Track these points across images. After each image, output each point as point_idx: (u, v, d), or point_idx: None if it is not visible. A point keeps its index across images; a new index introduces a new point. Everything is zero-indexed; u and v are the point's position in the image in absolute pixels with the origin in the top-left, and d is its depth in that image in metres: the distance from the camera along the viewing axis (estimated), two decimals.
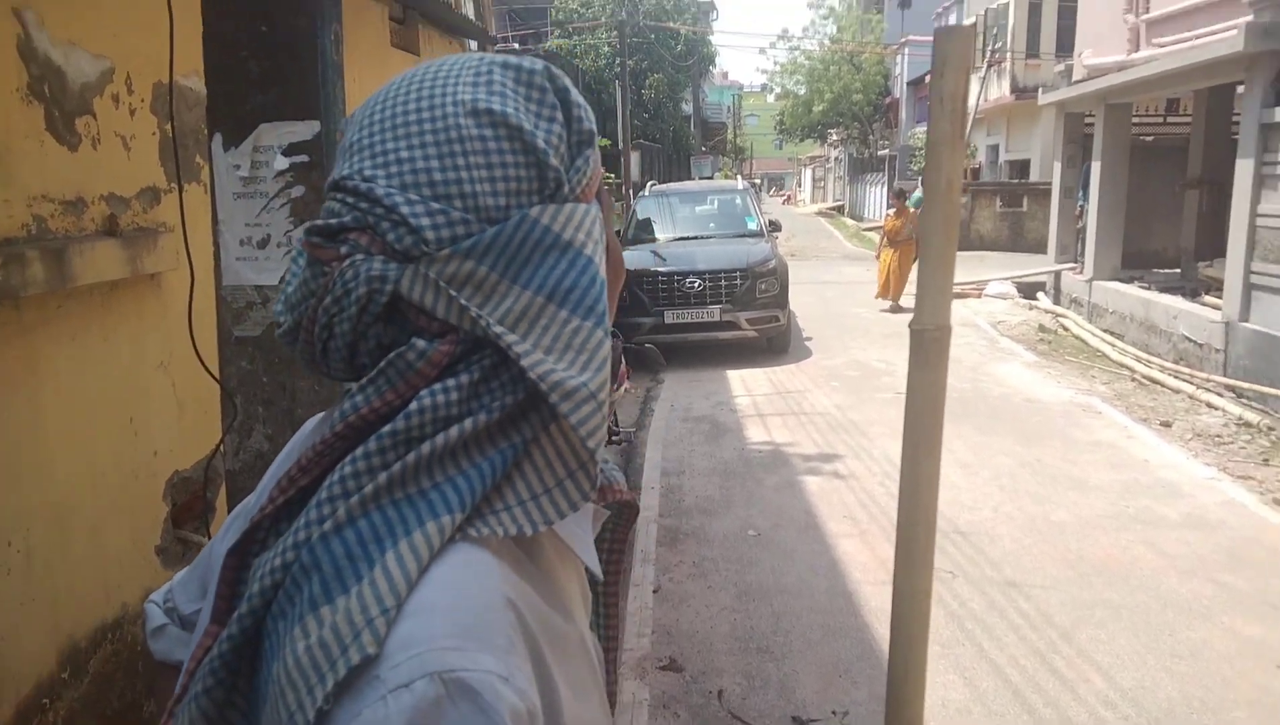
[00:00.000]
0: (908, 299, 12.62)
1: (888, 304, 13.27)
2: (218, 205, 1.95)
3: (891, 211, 13.73)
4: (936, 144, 0.85)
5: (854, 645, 4.03)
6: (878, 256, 13.85)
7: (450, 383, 0.65)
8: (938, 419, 0.89)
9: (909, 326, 0.88)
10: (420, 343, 0.66)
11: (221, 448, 1.99)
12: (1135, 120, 12.85)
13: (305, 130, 1.92)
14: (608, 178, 19.62)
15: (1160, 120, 14.97)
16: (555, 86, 0.73)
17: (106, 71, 2.55)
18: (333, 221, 0.68)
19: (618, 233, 12.11)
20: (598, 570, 0.73)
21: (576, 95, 0.75)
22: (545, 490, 0.67)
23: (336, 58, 1.96)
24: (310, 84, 1.91)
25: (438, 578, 0.61)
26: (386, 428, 0.65)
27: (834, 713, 3.25)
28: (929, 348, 0.88)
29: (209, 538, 2.82)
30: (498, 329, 0.65)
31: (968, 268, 14.63)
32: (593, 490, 0.67)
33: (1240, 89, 9.14)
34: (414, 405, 0.65)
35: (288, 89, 1.90)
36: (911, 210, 13.29)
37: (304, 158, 1.92)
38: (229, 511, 2.09)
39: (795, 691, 3.66)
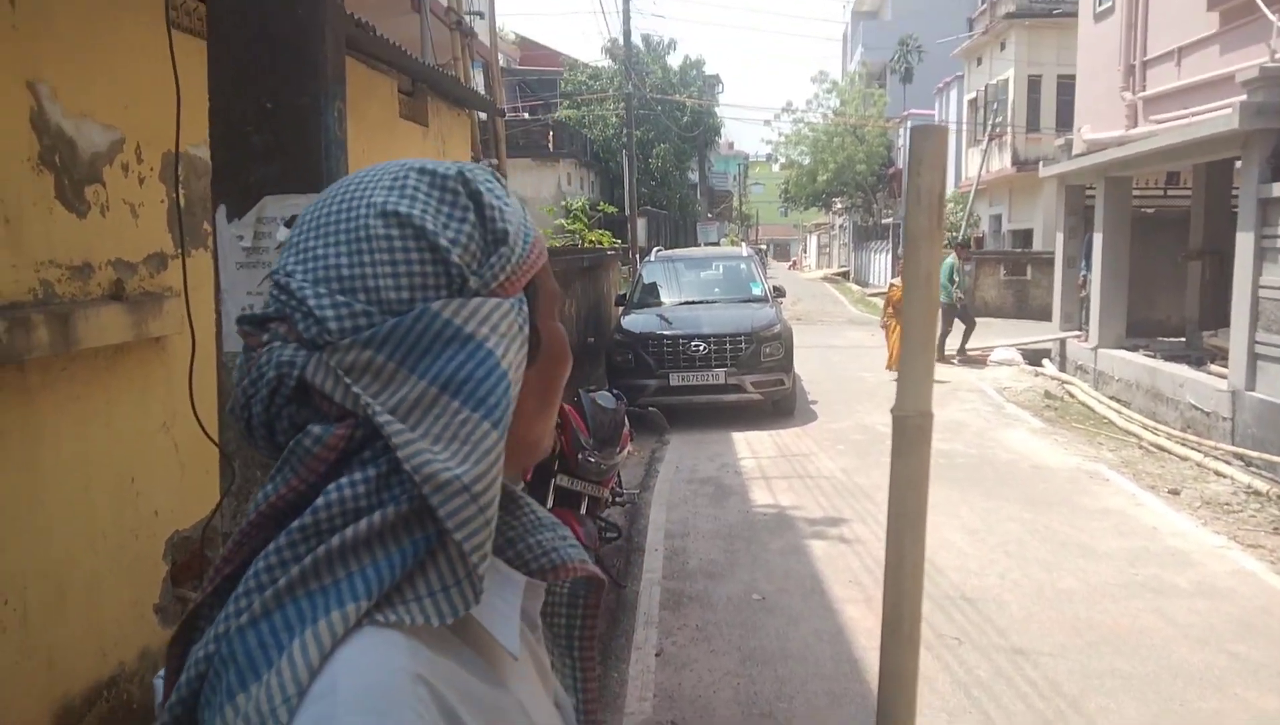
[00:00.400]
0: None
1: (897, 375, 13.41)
2: (221, 274, 1.99)
3: (897, 281, 13.40)
4: (915, 238, 0.87)
5: (860, 712, 3.97)
6: (884, 326, 13.57)
7: (358, 476, 0.67)
8: (921, 505, 0.90)
9: (890, 412, 0.89)
10: (315, 428, 0.68)
11: (219, 512, 2.00)
12: (1136, 192, 13.00)
13: (307, 203, 1.97)
14: (615, 242, 19.82)
15: (1161, 193, 15.15)
16: (468, 189, 0.76)
17: (117, 141, 2.62)
18: (258, 312, 0.73)
19: (624, 297, 12.24)
20: (511, 647, 0.72)
21: (493, 196, 0.77)
22: (456, 582, 0.68)
23: (339, 133, 2.01)
24: (313, 158, 1.96)
25: (343, 659, 0.62)
26: (296, 523, 0.66)
27: None
28: (911, 434, 0.89)
29: None
30: (383, 418, 0.66)
31: (974, 334, 14.68)
32: (475, 601, 0.67)
33: (1238, 163, 9.26)
34: (321, 499, 0.66)
35: (290, 162, 1.95)
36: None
37: None
38: None
39: None
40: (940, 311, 13.21)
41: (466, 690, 0.68)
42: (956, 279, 14.27)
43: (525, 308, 0.75)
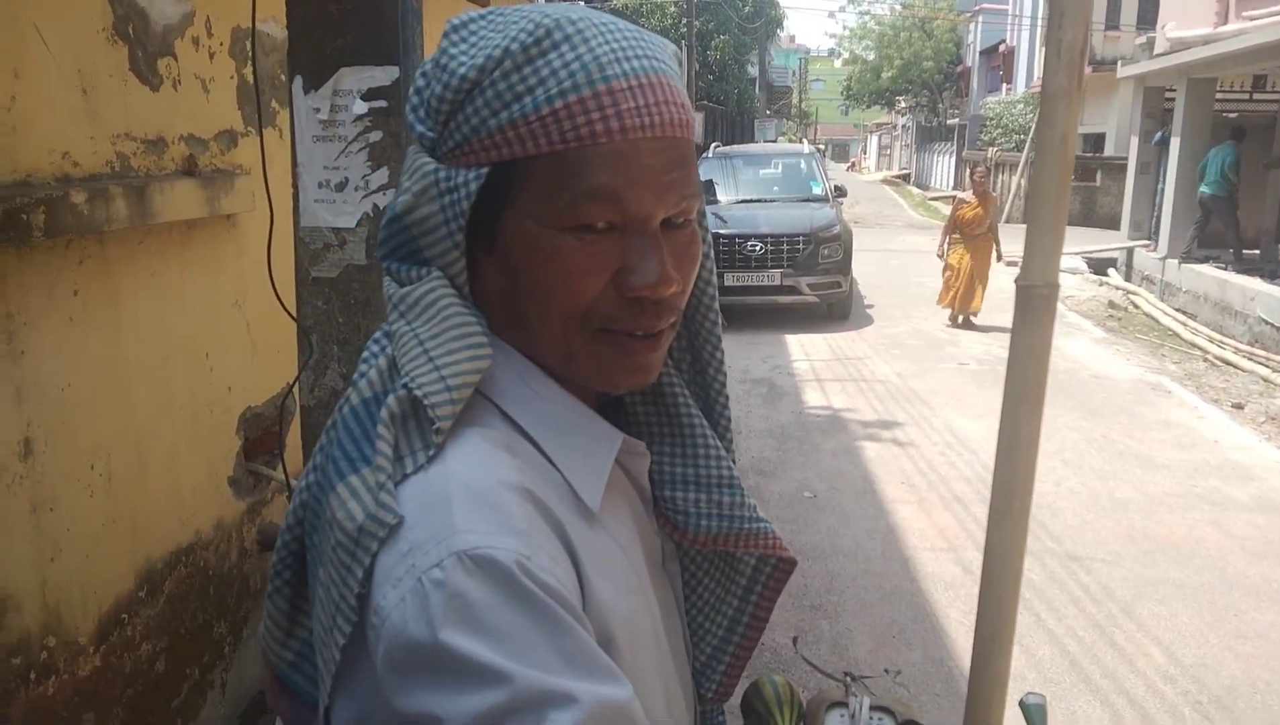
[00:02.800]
0: (985, 312, 9.94)
1: (949, 315, 10.20)
2: (297, 147, 1.97)
3: (968, 196, 10.09)
4: (1053, 97, 0.81)
5: (908, 609, 4.02)
6: (942, 254, 10.27)
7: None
8: (1041, 379, 0.87)
9: (1015, 282, 0.86)
10: None
11: (297, 384, 2.03)
12: (1219, 96, 12.38)
13: (384, 76, 1.93)
14: None
15: (1246, 97, 14.41)
16: (442, 50, 0.73)
17: (188, 14, 2.59)
18: None
19: None
20: (589, 500, 0.73)
21: (448, 56, 0.72)
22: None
23: (416, 2, 1.96)
24: (389, 29, 1.92)
25: (455, 470, 0.65)
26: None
27: (886, 671, 3.25)
28: (1036, 305, 0.86)
29: (280, 472, 2.89)
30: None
31: None
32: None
33: None
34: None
35: (366, 33, 1.91)
36: (994, 196, 10.41)
37: (382, 103, 1.93)
38: (302, 447, 2.15)
39: (848, 649, 3.67)
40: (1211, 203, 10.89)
41: (567, 512, 0.71)
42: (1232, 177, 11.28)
43: (471, 186, 0.70)
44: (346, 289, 1.99)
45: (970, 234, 10.01)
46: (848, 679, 1.11)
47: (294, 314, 2.00)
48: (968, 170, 11.15)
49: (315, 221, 1.97)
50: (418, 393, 0.67)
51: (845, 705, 1.05)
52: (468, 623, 0.59)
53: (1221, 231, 12.12)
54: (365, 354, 0.74)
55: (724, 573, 0.92)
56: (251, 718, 2.96)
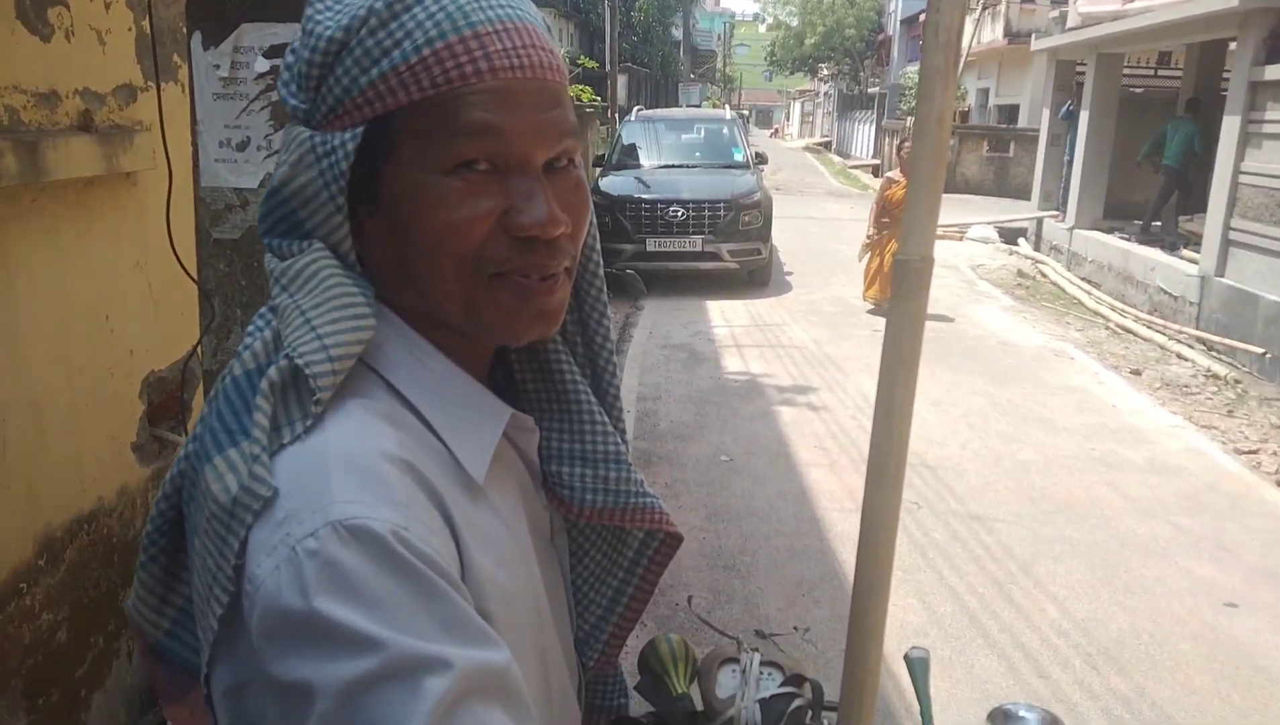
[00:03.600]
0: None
1: (873, 304, 9.34)
2: (196, 105, 1.93)
3: (898, 176, 9.15)
4: (930, 76, 0.84)
5: (818, 567, 4.13)
6: (869, 240, 9.30)
7: None
8: (915, 349, 0.91)
9: (893, 256, 0.89)
10: None
11: (199, 348, 1.99)
12: (1126, 71, 12.78)
13: (287, 33, 1.89)
14: (594, 99, 19.31)
15: (1151, 73, 14.89)
16: (308, 17, 0.73)
17: None
18: None
19: (602, 157, 11.97)
20: (473, 472, 0.74)
21: (313, 22, 0.73)
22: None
23: None
24: None
25: (334, 440, 0.66)
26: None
27: (795, 628, 3.35)
28: (912, 279, 0.89)
29: (184, 437, 2.83)
30: None
31: (951, 210, 14.63)
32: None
33: (1233, 45, 9.10)
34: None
35: None
36: None
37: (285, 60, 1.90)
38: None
39: (759, 607, 3.77)
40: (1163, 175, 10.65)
41: (446, 484, 0.71)
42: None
43: (348, 145, 0.70)
44: (250, 251, 1.96)
45: (899, 217, 8.41)
46: (739, 638, 1.15)
47: (195, 276, 1.96)
48: (896, 146, 9.53)
49: (216, 181, 1.93)
50: (299, 362, 0.67)
51: (737, 661, 1.09)
52: (341, 591, 0.59)
53: (1124, 203, 12.55)
54: (250, 329, 0.73)
55: (611, 546, 0.94)
56: None
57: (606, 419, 0.88)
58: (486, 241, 0.72)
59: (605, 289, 0.91)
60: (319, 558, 0.60)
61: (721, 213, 10.01)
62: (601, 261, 0.89)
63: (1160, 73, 14.77)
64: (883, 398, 0.90)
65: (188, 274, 1.91)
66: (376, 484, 0.64)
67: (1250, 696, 3.33)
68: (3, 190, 2.16)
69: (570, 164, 0.76)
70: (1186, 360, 7.96)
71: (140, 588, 0.75)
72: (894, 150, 10.36)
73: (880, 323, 8.95)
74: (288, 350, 0.68)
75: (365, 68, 0.70)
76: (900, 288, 0.86)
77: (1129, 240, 11.13)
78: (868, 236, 9.30)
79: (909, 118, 25.49)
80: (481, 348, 0.81)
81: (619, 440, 0.88)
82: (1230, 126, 8.33)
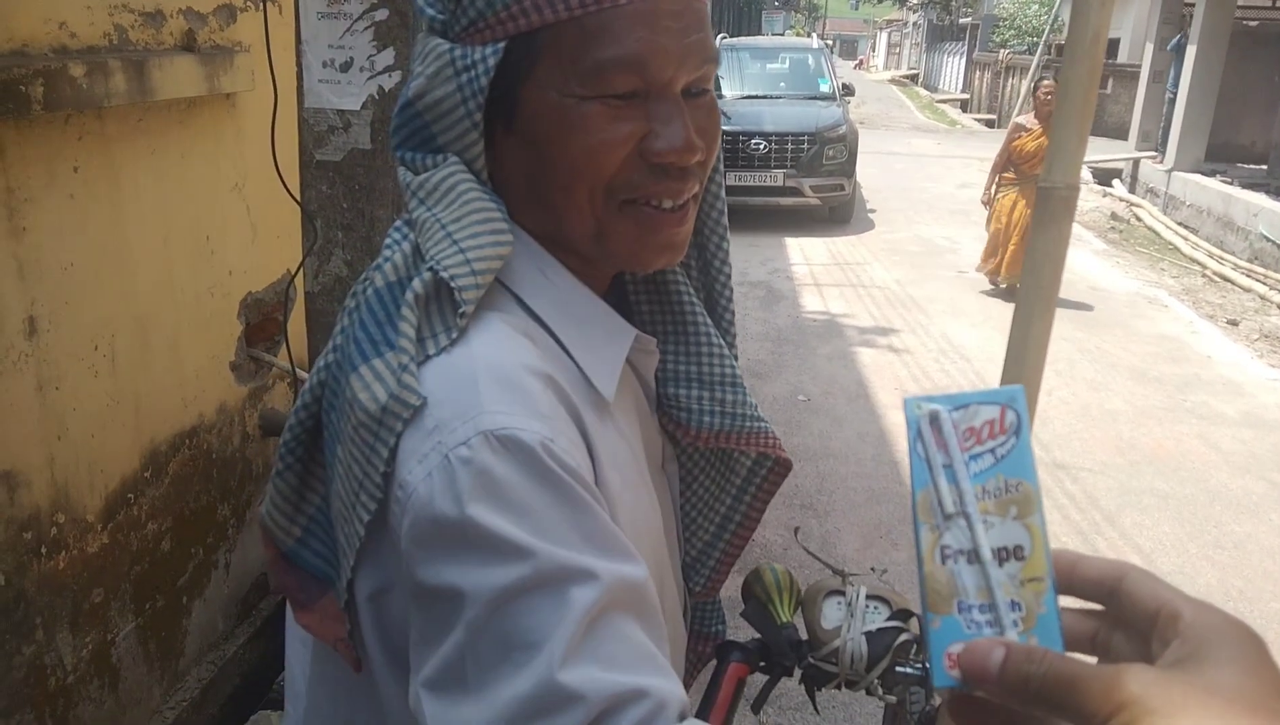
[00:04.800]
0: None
1: (987, 280, 7.79)
2: (301, 24, 1.93)
3: (1030, 122, 7.45)
4: None
5: (896, 510, 4.11)
6: (989, 200, 7.75)
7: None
8: (1056, 278, 0.88)
9: (1037, 183, 0.85)
10: None
11: (301, 270, 2.03)
12: (1240, 2, 12.06)
13: None
14: None
15: (1270, 3, 14.02)
16: None
17: None
18: None
19: None
20: (604, 390, 0.75)
21: None
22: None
23: None
24: None
25: (479, 352, 0.66)
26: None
27: (872, 569, 3.34)
28: (1056, 206, 0.86)
29: (286, 358, 2.90)
30: None
31: None
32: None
33: None
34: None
35: None
36: None
37: None
38: (307, 333, 2.15)
39: (837, 547, 3.76)
40: None
41: (584, 401, 0.72)
42: None
43: (489, 60, 0.69)
44: (351, 173, 1.97)
45: (1030, 174, 7.22)
46: (844, 570, 1.14)
47: (298, 198, 1.99)
48: (1030, 85, 7.49)
49: (320, 103, 1.94)
50: (444, 275, 0.67)
51: (842, 594, 1.09)
52: (493, 499, 0.60)
53: (1228, 145, 11.95)
54: (388, 241, 0.73)
55: (720, 472, 0.94)
56: (254, 599, 3.04)
57: (722, 342, 0.88)
58: (622, 167, 0.71)
59: (726, 212, 0.89)
60: (472, 465, 0.61)
61: (805, 146, 9.78)
62: (724, 185, 0.87)
63: (1278, 4, 13.91)
64: (1018, 331, 0.88)
65: (291, 195, 1.94)
66: (523, 395, 0.65)
67: None
68: (113, 109, 2.20)
69: (705, 90, 0.75)
70: None
71: (275, 494, 0.77)
72: (1028, 90, 8.16)
73: (964, 263, 8.68)
74: (431, 263, 0.68)
75: None
76: (1042, 215, 0.82)
77: (1231, 183, 10.62)
78: (987, 195, 7.77)
79: (1002, 50, 24.55)
80: (603, 270, 0.81)
81: (734, 363, 0.88)
82: None
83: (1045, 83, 7.55)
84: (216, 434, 2.81)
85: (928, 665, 1.02)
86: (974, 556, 0.46)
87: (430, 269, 0.68)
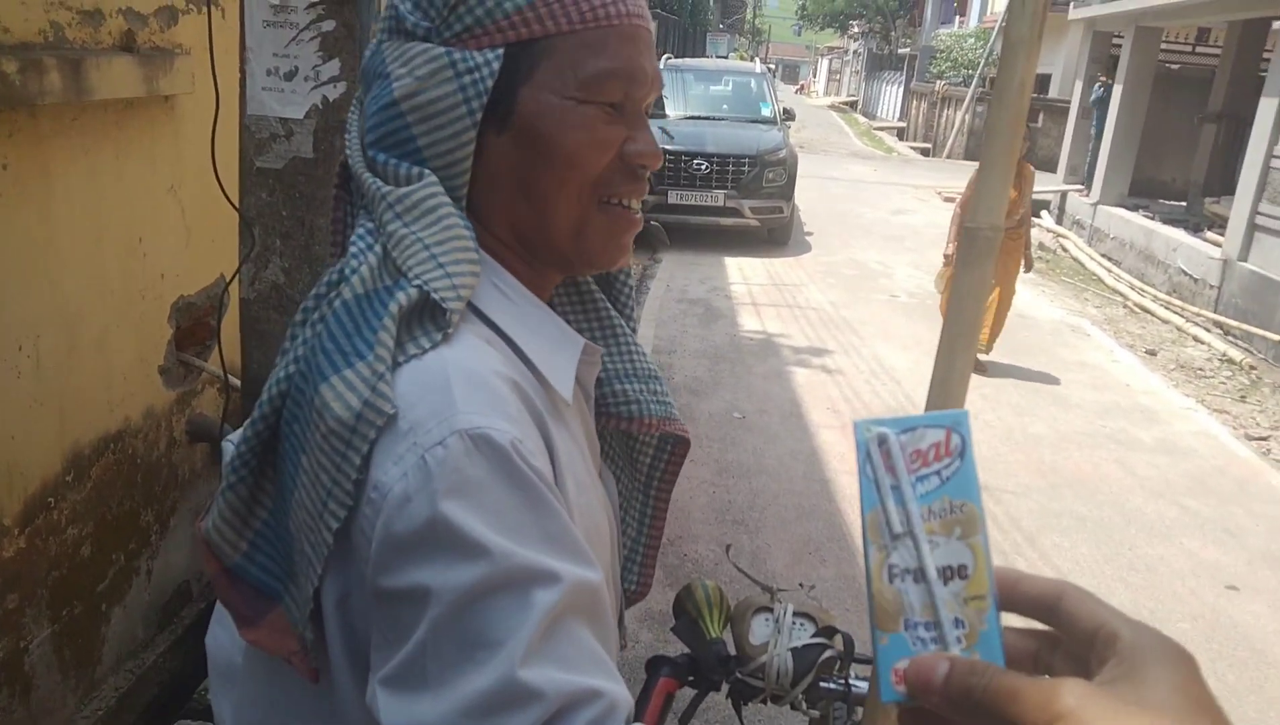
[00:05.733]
0: (1004, 347, 6.71)
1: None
2: (247, 31, 1.92)
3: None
4: (1014, 45, 0.84)
5: (825, 527, 4.17)
6: (948, 265, 6.56)
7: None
8: (978, 317, 0.93)
9: (963, 224, 0.90)
10: None
11: (238, 276, 2.01)
12: (1164, 46, 12.55)
13: None
14: None
15: (1189, 49, 14.64)
16: None
17: None
18: None
19: None
20: (563, 391, 0.78)
21: None
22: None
23: None
24: None
25: (451, 357, 0.69)
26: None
27: (801, 585, 3.38)
28: (980, 247, 0.90)
29: (217, 364, 2.86)
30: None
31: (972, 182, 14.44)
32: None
33: (1276, 24, 8.93)
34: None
35: None
36: (1031, 171, 6.48)
37: None
38: (241, 339, 2.13)
39: (766, 563, 3.81)
40: None
41: (544, 407, 0.75)
42: None
43: (493, 65, 0.73)
44: (292, 182, 1.96)
45: (1002, 243, 5.18)
46: (772, 588, 1.17)
47: (236, 204, 1.97)
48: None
49: (262, 110, 1.92)
50: (435, 296, 0.70)
51: (770, 610, 1.12)
52: (466, 498, 0.62)
53: (1151, 181, 12.41)
54: (353, 250, 0.74)
55: (629, 469, 0.98)
56: (175, 607, 2.98)
57: (636, 340, 0.95)
58: (606, 167, 0.78)
59: None
60: (447, 465, 0.62)
61: (746, 168, 9.91)
62: None
63: (1198, 50, 14.52)
64: (942, 363, 0.92)
65: (229, 201, 1.92)
66: (493, 397, 0.67)
67: (1245, 677, 3.37)
68: (47, 107, 2.16)
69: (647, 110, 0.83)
70: (1203, 343, 7.93)
71: (224, 509, 0.76)
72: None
73: (897, 287, 8.89)
74: (418, 282, 0.70)
75: None
76: (968, 255, 0.87)
77: (1153, 218, 11.02)
78: (946, 257, 6.71)
79: (938, 81, 25.16)
80: (548, 280, 0.85)
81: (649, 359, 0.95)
82: (1267, 108, 8.20)
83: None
84: (142, 438, 2.76)
85: (875, 678, 1.06)
86: (920, 575, 0.48)
87: (417, 287, 0.70)
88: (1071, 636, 0.47)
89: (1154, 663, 0.42)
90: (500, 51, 0.73)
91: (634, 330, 0.96)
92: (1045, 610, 0.49)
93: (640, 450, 0.97)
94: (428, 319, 0.70)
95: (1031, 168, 6.55)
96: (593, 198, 0.78)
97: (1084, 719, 0.40)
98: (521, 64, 0.74)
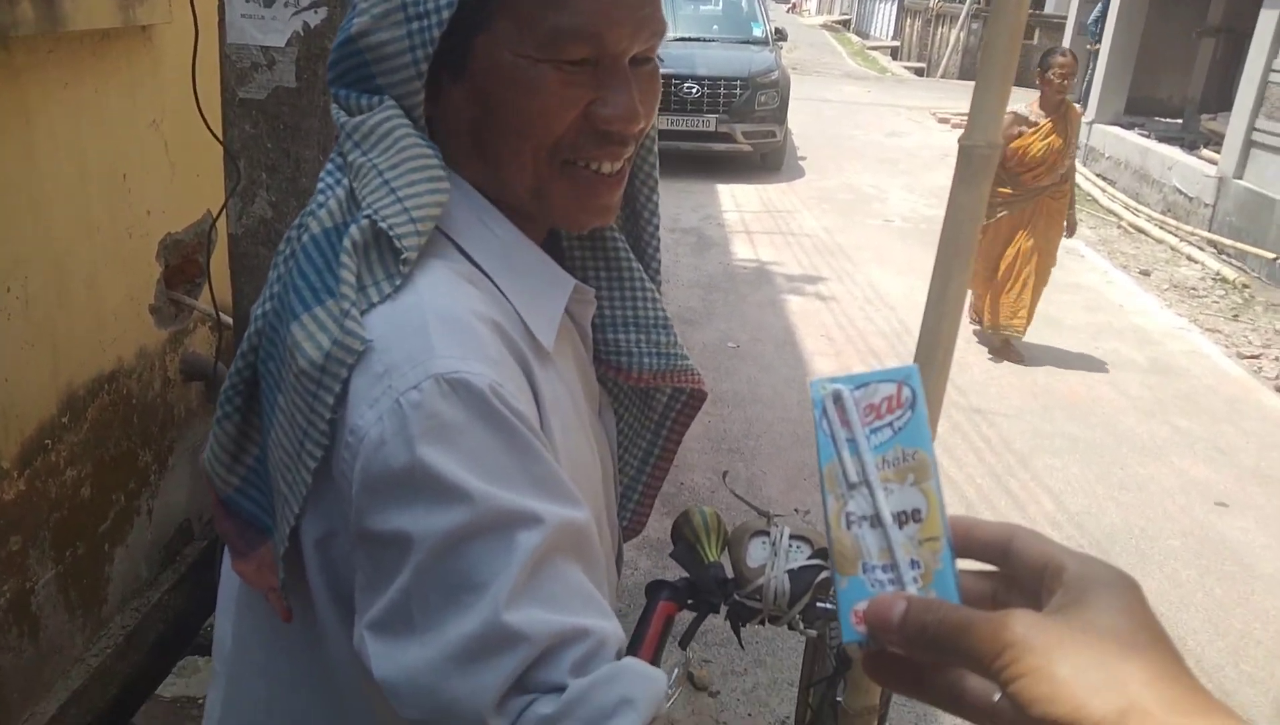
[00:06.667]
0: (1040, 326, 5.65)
1: (978, 329, 5.71)
2: None
3: (1033, 112, 5.22)
4: None
5: None
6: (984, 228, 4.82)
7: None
8: (974, 237, 0.91)
9: (959, 141, 0.88)
10: None
11: (224, 212, 1.98)
12: None
13: None
14: None
15: None
16: None
17: None
18: None
19: None
20: (543, 340, 0.76)
21: None
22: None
23: None
24: None
25: (427, 298, 0.67)
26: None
27: (796, 510, 3.44)
28: (976, 165, 0.88)
29: (208, 301, 2.84)
30: None
31: (965, 97, 14.22)
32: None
33: None
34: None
35: None
36: (1078, 113, 5.52)
37: None
38: (230, 275, 2.11)
39: (762, 489, 3.85)
40: None
41: (527, 348, 0.74)
42: None
43: (443, 12, 0.68)
44: (276, 112, 1.92)
45: (1032, 187, 5.21)
46: (769, 512, 1.18)
47: (220, 137, 1.93)
48: (1040, 61, 5.23)
49: (243, 39, 1.88)
50: (382, 225, 0.67)
51: (767, 534, 1.13)
52: (444, 442, 0.61)
53: (1147, 99, 12.25)
54: (320, 185, 0.73)
55: (640, 407, 0.97)
56: (178, 545, 3.01)
57: (653, 286, 0.90)
58: (567, 130, 0.72)
59: (657, 165, 0.91)
60: (422, 409, 0.62)
61: (738, 91, 9.73)
62: (657, 136, 0.89)
63: None
64: (937, 285, 0.91)
65: (213, 134, 1.89)
66: (472, 339, 0.66)
67: (1233, 591, 3.44)
68: (20, 39, 2.11)
69: (650, 58, 0.76)
70: (1196, 263, 7.92)
71: (215, 443, 0.77)
72: (1035, 73, 5.29)
73: (891, 212, 8.81)
74: (368, 211, 0.68)
75: None
76: (964, 173, 0.85)
77: (1149, 137, 10.91)
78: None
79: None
80: (540, 222, 0.82)
81: (663, 306, 0.91)
82: (1267, 20, 8.06)
83: (1059, 59, 5.20)
84: (136, 378, 2.75)
85: (824, 575, 1.07)
86: (876, 521, 0.49)
87: (368, 217, 0.68)
88: (1023, 575, 0.48)
89: (1098, 590, 0.43)
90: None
91: (656, 278, 0.92)
92: (997, 553, 0.50)
93: (654, 394, 0.96)
94: (387, 254, 0.68)
95: (1079, 109, 5.51)
96: (552, 160, 0.74)
97: (1031, 645, 0.41)
98: (480, 12, 0.70)
